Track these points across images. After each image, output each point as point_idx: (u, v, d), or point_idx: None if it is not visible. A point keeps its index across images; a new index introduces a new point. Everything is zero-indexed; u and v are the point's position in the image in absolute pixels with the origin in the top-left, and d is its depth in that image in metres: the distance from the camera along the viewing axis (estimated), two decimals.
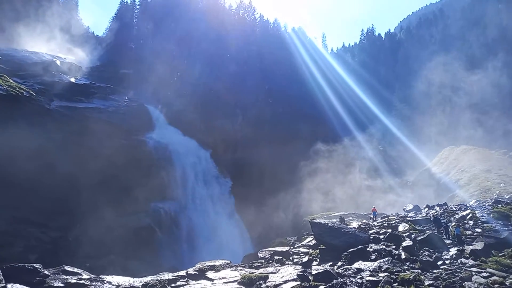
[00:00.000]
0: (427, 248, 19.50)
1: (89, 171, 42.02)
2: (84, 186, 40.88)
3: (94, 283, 13.35)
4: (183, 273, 15.67)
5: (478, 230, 22.97)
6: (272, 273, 16.04)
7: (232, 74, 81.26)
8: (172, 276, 15.12)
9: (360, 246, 18.77)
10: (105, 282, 13.61)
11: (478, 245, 19.05)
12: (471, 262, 17.30)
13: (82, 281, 13.37)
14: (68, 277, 13.55)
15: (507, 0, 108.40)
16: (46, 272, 13.21)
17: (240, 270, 16.77)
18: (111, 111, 52.85)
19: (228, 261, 18.02)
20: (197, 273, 15.75)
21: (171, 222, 49.17)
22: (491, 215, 26.46)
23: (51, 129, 41.72)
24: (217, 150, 64.68)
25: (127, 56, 79.51)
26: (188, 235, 49.77)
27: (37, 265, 13.12)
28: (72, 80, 55.10)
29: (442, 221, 25.74)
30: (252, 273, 15.82)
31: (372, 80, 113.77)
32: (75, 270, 14.33)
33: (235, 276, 15.41)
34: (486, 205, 32.76)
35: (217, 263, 17.22)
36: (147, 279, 14.60)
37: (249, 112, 77.26)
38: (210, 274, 15.79)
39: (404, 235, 21.82)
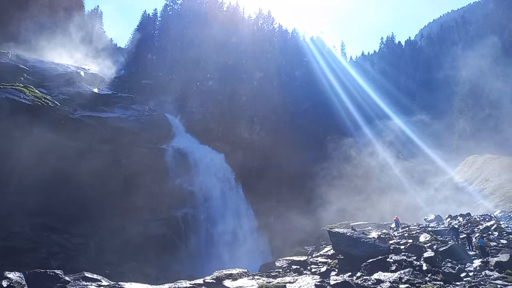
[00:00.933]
0: (449, 260, 18.98)
1: (110, 178, 42.96)
2: (105, 193, 41.74)
3: None
4: (200, 281, 15.71)
5: (504, 241, 22.25)
6: (289, 282, 15.90)
7: (250, 83, 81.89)
8: (190, 284, 15.17)
9: (380, 257, 18.45)
10: None
11: (504, 257, 18.41)
12: (496, 274, 16.74)
13: None
14: (88, 283, 13.77)
15: None
16: (66, 278, 13.48)
17: (258, 279, 16.69)
18: (132, 120, 53.95)
19: (246, 270, 17.96)
20: (214, 281, 15.76)
21: (189, 231, 49.43)
22: None
23: (74, 137, 42.93)
24: (235, 158, 64.90)
25: (148, 67, 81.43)
26: (206, 244, 49.91)
27: (58, 271, 13.41)
28: (95, 90, 56.69)
29: (465, 231, 25.03)
30: (270, 282, 15.74)
31: (392, 88, 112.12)
32: (95, 276, 14.57)
33: (252, 285, 15.34)
34: None
35: (234, 271, 17.19)
36: (165, 286, 14.71)
37: (267, 121, 77.46)
38: (227, 282, 15.77)
39: (425, 245, 21.31)
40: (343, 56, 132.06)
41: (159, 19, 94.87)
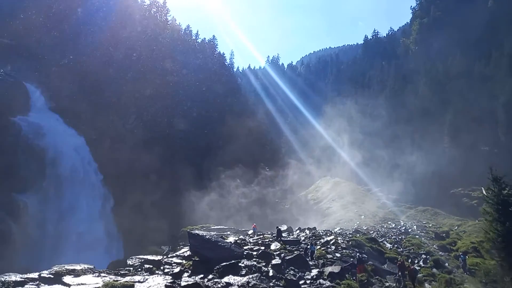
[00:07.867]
0: (293, 268, 20.82)
1: None
2: None
3: None
4: (35, 275, 13.92)
5: (338, 255, 25.50)
6: (139, 282, 15.28)
7: (131, 70, 76.66)
8: (21, 278, 13.34)
9: (233, 261, 19.15)
10: None
11: (336, 268, 21.16)
12: (328, 283, 19.07)
13: None
14: None
15: (389, 57, 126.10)
16: None
17: (104, 276, 15.57)
18: None
19: (92, 266, 16.60)
20: (52, 276, 14.16)
21: (32, 219, 43.41)
22: (350, 242, 29.66)
23: None
24: (101, 146, 59.83)
25: (11, 25, 69.51)
26: (51, 236, 44.48)
27: None
28: None
29: (310, 243, 27.83)
30: (117, 281, 14.85)
31: (270, 106, 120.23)
32: None
33: (97, 283, 14.30)
34: (347, 233, 36.69)
35: (78, 267, 15.71)
36: None
37: (143, 115, 73.60)
38: (67, 279, 14.33)
39: (275, 253, 22.96)
40: (231, 65, 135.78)
41: None
